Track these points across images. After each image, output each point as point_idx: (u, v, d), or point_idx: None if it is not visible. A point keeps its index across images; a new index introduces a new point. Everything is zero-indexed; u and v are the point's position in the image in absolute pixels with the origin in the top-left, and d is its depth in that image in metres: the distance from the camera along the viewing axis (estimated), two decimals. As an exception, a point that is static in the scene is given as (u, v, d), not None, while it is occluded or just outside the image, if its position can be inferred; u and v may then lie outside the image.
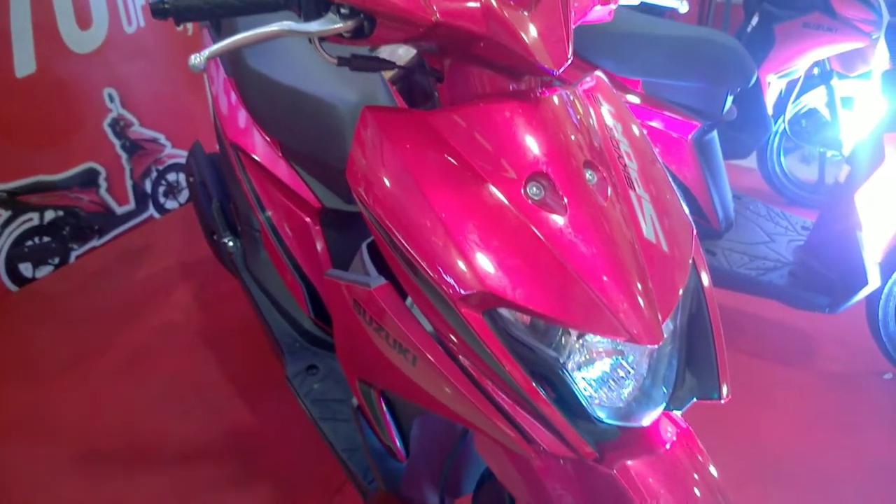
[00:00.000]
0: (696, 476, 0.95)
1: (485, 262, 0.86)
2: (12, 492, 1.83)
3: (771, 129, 2.78)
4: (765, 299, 2.13)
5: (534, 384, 0.87)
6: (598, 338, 0.91)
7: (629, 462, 0.91)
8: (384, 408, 1.22)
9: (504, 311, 0.88)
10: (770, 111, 2.79)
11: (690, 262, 0.97)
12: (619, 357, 0.93)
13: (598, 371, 0.93)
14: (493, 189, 0.90)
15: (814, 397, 2.08)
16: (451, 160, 0.91)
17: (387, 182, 0.95)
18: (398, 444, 1.26)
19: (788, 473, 1.84)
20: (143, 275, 2.69)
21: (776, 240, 2.15)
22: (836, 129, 2.81)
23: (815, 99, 2.88)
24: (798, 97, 2.87)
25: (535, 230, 0.87)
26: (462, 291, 0.86)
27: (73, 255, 2.79)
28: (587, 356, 0.92)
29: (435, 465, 1.27)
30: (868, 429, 1.98)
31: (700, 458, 0.97)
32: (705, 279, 0.99)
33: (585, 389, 0.90)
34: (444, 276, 0.87)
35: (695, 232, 1.00)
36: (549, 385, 0.89)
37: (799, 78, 2.78)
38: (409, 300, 1.04)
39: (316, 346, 1.69)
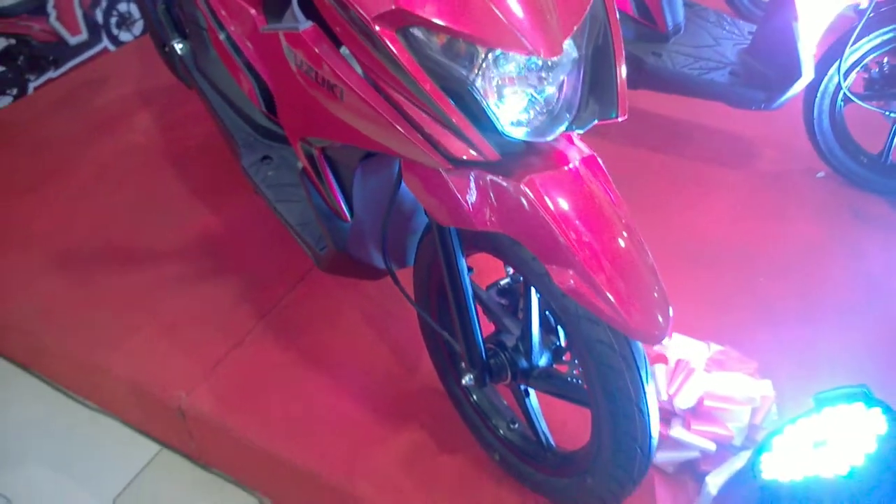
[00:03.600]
0: (599, 194, 1.06)
1: (395, -17, 0.92)
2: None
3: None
4: (708, 103, 2.21)
5: (444, 95, 0.95)
6: (509, 65, 0.99)
7: (536, 176, 1.02)
8: (326, 166, 1.31)
9: (417, 32, 0.95)
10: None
11: (597, -8, 1.03)
12: (531, 89, 1.01)
13: (512, 101, 1.01)
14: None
15: (749, 194, 2.21)
16: None
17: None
18: (342, 202, 1.36)
19: (722, 256, 1.99)
20: (103, 102, 2.70)
21: (721, 43, 2.20)
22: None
23: None
24: None
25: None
26: (375, 11, 0.93)
27: (31, 86, 2.77)
28: (499, 82, 0.99)
29: (377, 222, 1.38)
30: (797, 218, 2.12)
31: (604, 180, 1.08)
32: (612, 14, 1.05)
33: (497, 105, 0.98)
34: (360, -2, 0.93)
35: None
36: (462, 104, 0.98)
37: None
38: (342, 49, 1.11)
39: (269, 140, 1.76)
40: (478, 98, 0.96)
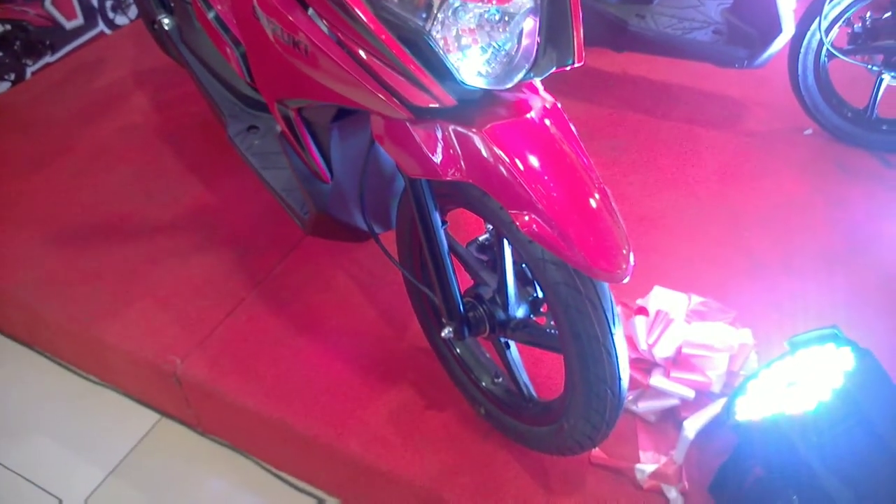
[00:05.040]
0: (560, 141, 1.08)
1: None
2: (-1, 268, 2.02)
3: None
4: (698, 66, 2.22)
5: (399, 44, 0.98)
6: (467, 16, 1.01)
7: (496, 123, 1.04)
8: (303, 127, 1.35)
9: (376, -17, 0.98)
10: None
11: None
12: (490, 39, 1.03)
13: (471, 52, 1.03)
14: None
15: (737, 152, 2.22)
16: None
17: None
18: (321, 164, 1.40)
19: (709, 213, 2.02)
20: (100, 84, 2.74)
21: (705, 3, 2.20)
22: None
23: None
24: None
25: None
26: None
27: (29, 70, 2.82)
28: (458, 32, 1.02)
29: (356, 183, 1.41)
30: (783, 175, 2.13)
31: (565, 128, 1.10)
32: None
33: (459, 60, 1.01)
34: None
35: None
36: (420, 55, 1.01)
37: None
38: (309, 11, 1.13)
39: (254, 109, 1.79)
40: (433, 47, 0.99)
